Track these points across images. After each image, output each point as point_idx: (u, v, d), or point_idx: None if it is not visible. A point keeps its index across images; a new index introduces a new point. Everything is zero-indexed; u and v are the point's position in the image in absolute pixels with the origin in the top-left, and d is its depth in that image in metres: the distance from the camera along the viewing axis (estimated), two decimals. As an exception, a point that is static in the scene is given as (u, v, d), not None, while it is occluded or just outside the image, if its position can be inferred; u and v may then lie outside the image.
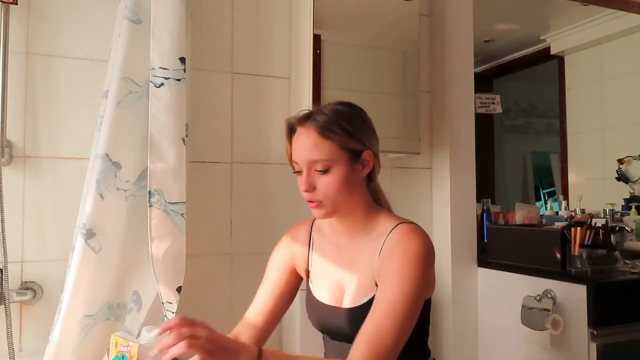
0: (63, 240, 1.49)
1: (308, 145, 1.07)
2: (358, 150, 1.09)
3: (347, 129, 1.07)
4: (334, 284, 1.16)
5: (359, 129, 1.10)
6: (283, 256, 1.26)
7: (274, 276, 1.24)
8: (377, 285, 1.07)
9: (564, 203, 2.39)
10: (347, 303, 1.12)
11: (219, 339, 0.90)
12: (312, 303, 1.19)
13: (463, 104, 2.00)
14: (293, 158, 1.11)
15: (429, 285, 1.10)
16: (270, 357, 0.93)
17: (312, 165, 1.07)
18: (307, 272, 1.23)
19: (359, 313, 1.06)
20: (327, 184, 1.06)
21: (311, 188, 1.07)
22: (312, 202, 1.09)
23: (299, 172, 1.10)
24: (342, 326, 1.11)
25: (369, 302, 1.05)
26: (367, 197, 1.15)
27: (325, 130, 1.06)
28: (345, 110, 1.11)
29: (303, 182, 1.08)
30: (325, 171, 1.06)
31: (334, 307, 1.14)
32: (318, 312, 1.17)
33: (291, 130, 1.12)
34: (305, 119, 1.09)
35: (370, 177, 1.15)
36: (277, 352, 0.99)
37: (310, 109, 1.14)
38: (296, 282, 1.26)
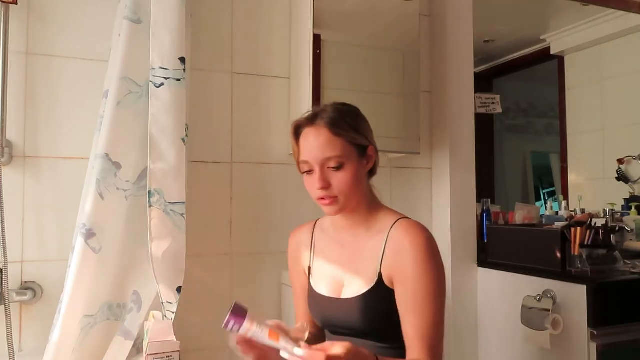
0: (63, 240, 1.49)
1: (321, 143, 1.09)
2: (364, 146, 1.14)
3: (353, 125, 1.12)
4: (334, 278, 1.19)
5: (362, 125, 1.15)
6: (295, 264, 1.31)
7: (299, 286, 1.30)
8: (381, 278, 1.11)
9: (564, 203, 2.39)
10: (346, 294, 1.15)
11: (357, 351, 0.91)
12: (313, 297, 1.22)
13: (463, 104, 2.00)
14: (303, 158, 1.13)
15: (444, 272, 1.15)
16: None
17: (325, 163, 1.10)
18: (309, 269, 1.26)
19: (356, 304, 1.11)
20: (341, 180, 1.10)
21: (327, 185, 1.10)
22: (325, 199, 1.11)
23: (309, 172, 1.12)
24: (341, 317, 1.15)
25: (367, 293, 1.11)
26: (369, 191, 1.20)
27: (335, 128, 1.09)
28: (345, 109, 1.16)
29: (317, 180, 1.10)
30: (338, 167, 1.09)
31: (333, 298, 1.17)
32: (319, 306, 1.21)
33: (297, 132, 1.14)
34: (313, 118, 1.12)
35: (372, 172, 1.20)
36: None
37: (311, 110, 1.17)
38: None
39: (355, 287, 1.14)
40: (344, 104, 1.18)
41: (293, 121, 1.16)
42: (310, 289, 1.23)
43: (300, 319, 1.30)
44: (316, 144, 1.10)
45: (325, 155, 1.09)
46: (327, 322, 1.21)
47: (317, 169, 1.10)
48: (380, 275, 1.11)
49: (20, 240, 1.50)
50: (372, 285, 1.11)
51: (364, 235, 1.17)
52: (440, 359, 1.08)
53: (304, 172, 1.14)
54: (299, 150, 1.14)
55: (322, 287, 1.20)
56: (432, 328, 1.05)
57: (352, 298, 1.13)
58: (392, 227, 1.13)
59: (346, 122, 1.11)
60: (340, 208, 1.12)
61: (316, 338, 1.28)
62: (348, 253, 1.19)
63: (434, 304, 1.06)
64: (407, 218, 1.16)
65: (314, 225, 1.30)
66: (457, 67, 1.99)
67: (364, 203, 1.17)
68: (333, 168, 1.09)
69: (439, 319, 1.07)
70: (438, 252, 1.11)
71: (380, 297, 1.11)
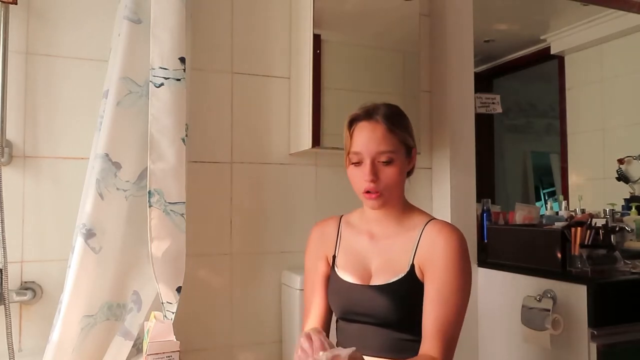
0: (63, 240, 1.49)
1: (377, 137, 1.14)
2: (410, 147, 1.20)
3: (405, 125, 1.19)
4: (363, 266, 1.22)
5: (410, 127, 1.22)
6: (316, 252, 1.31)
7: (318, 274, 1.29)
8: (412, 269, 1.15)
9: (564, 203, 2.39)
10: (376, 281, 1.18)
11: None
12: (337, 284, 1.23)
13: (463, 104, 2.00)
14: (355, 149, 1.17)
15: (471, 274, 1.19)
16: None
17: (377, 157, 1.14)
18: (333, 258, 1.27)
19: (385, 291, 1.15)
20: (389, 174, 1.15)
21: (377, 178, 1.14)
22: (371, 192, 1.15)
23: (357, 164, 1.16)
24: (367, 304, 1.16)
25: (399, 282, 1.14)
26: (403, 190, 1.24)
27: (393, 125, 1.15)
28: (397, 110, 1.22)
29: (368, 172, 1.14)
30: (388, 162, 1.15)
31: (361, 285, 1.19)
32: (343, 293, 1.21)
33: (352, 124, 1.19)
34: (371, 113, 1.17)
35: (410, 173, 1.25)
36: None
37: (366, 105, 1.20)
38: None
39: (385, 275, 1.17)
40: (393, 105, 1.22)
41: (349, 114, 1.20)
42: (335, 277, 1.24)
43: (310, 309, 1.28)
44: (372, 136, 1.14)
45: (379, 149, 1.14)
46: (348, 310, 1.21)
47: (367, 162, 1.14)
48: (412, 266, 1.15)
49: (20, 240, 1.50)
50: (404, 275, 1.15)
51: (395, 230, 1.21)
52: (452, 355, 1.11)
53: (352, 164, 1.18)
54: (352, 142, 1.17)
55: (349, 275, 1.22)
56: (450, 324, 1.09)
57: (382, 285, 1.16)
58: (426, 224, 1.18)
59: (402, 122, 1.18)
60: (383, 203, 1.17)
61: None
62: (379, 246, 1.22)
63: (457, 301, 1.10)
64: (440, 220, 1.21)
65: (340, 219, 1.32)
66: (457, 67, 1.99)
67: (400, 201, 1.23)
68: (383, 162, 1.14)
69: (459, 317, 1.11)
70: (468, 254, 1.15)
71: (410, 288, 1.14)
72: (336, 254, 1.27)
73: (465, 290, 1.13)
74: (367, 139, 1.15)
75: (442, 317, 1.09)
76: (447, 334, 1.09)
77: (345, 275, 1.22)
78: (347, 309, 1.21)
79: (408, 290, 1.14)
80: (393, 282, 1.15)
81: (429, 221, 1.19)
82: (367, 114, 1.17)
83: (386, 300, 1.13)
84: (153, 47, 1.38)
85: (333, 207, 1.77)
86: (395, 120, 1.17)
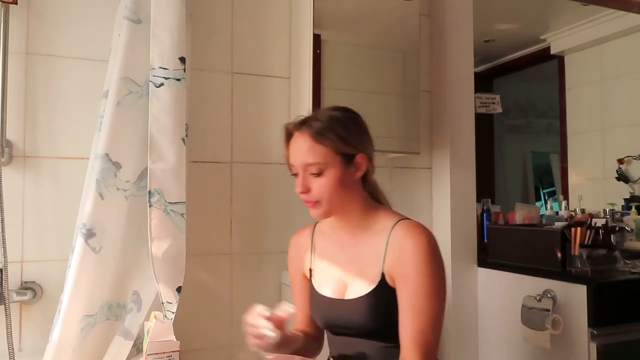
0: (63, 240, 1.49)
1: (303, 149, 1.13)
2: (351, 154, 1.14)
3: (340, 134, 1.12)
4: (337, 279, 1.20)
5: (353, 133, 1.15)
6: (296, 267, 1.32)
7: (299, 288, 1.31)
8: (383, 277, 1.12)
9: (564, 203, 2.39)
10: (350, 294, 1.16)
11: None
12: (316, 299, 1.23)
13: (463, 104, 2.00)
14: (290, 161, 1.17)
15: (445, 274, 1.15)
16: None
17: (306, 168, 1.13)
18: (310, 271, 1.26)
19: (360, 304, 1.12)
20: (320, 185, 1.12)
21: (306, 190, 1.13)
22: (307, 202, 1.15)
23: (296, 175, 1.16)
24: (345, 318, 1.15)
25: (371, 293, 1.12)
26: (363, 196, 1.20)
27: (319, 136, 1.11)
28: (340, 115, 1.16)
29: (298, 184, 1.14)
30: (318, 174, 1.12)
31: (337, 299, 1.17)
32: (322, 307, 1.21)
33: (289, 135, 1.17)
34: (302, 124, 1.15)
35: (365, 178, 1.19)
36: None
37: (308, 114, 1.19)
38: None
39: (358, 287, 1.14)
40: (341, 109, 1.19)
41: (285, 124, 1.19)
42: (313, 291, 1.24)
43: (299, 322, 1.30)
44: (300, 149, 1.13)
45: (306, 161, 1.12)
46: (330, 323, 1.21)
47: (300, 173, 1.14)
48: (383, 275, 1.12)
49: (20, 240, 1.50)
50: (376, 285, 1.12)
51: (363, 236, 1.18)
52: None
53: (292, 174, 1.17)
54: (287, 153, 1.17)
55: (325, 289, 1.21)
56: (427, 331, 1.06)
57: (357, 298, 1.13)
58: (393, 227, 1.14)
59: (333, 131, 1.12)
60: (324, 212, 1.15)
61: (315, 339, 1.29)
62: (349, 254, 1.19)
63: (432, 305, 1.07)
64: (409, 219, 1.16)
65: (314, 228, 1.31)
66: (457, 67, 1.99)
67: (357, 206, 1.18)
68: (314, 174, 1.12)
69: (437, 321, 1.08)
70: (439, 253, 1.12)
71: (384, 296, 1.11)
72: (312, 267, 1.26)
73: (439, 293, 1.09)
74: (296, 151, 1.14)
75: (417, 325, 1.06)
76: (424, 342, 1.05)
77: (322, 288, 1.21)
78: (329, 322, 1.21)
79: (383, 300, 1.11)
80: (367, 294, 1.12)
81: (397, 223, 1.14)
82: (298, 124, 1.15)
83: (363, 313, 1.12)
84: (153, 47, 1.38)
85: (333, 207, 1.77)
86: (324, 131, 1.11)
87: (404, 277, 1.09)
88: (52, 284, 1.51)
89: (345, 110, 1.19)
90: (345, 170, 1.13)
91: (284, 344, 1.09)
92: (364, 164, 1.16)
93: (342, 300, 1.16)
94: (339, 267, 1.20)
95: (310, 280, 1.26)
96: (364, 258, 1.16)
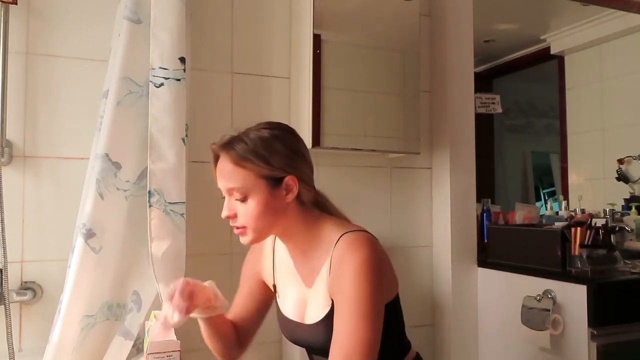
0: (63, 240, 1.49)
1: (225, 173, 1.06)
2: (278, 177, 1.06)
3: (264, 157, 1.04)
4: (296, 301, 1.17)
5: (280, 155, 1.06)
6: (253, 270, 1.29)
7: (247, 291, 1.28)
8: (332, 300, 1.05)
9: (564, 203, 2.39)
10: (309, 319, 1.12)
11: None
12: (281, 318, 1.22)
13: (463, 104, 2.00)
14: (217, 184, 1.10)
15: (386, 289, 1.08)
16: None
17: (231, 193, 1.07)
18: (274, 287, 1.24)
19: (319, 328, 1.08)
20: (245, 211, 1.06)
21: (231, 214, 1.07)
22: (235, 228, 1.08)
23: (224, 198, 1.10)
24: (309, 340, 1.14)
25: (326, 317, 1.06)
26: (302, 215, 1.11)
27: (240, 160, 1.04)
28: (268, 135, 1.06)
29: (224, 208, 1.08)
30: (242, 199, 1.05)
31: (298, 322, 1.15)
32: (287, 327, 1.19)
33: (216, 157, 1.11)
34: (225, 145, 1.07)
35: (301, 200, 1.10)
36: None
37: (236, 132, 1.10)
38: (269, 291, 1.27)
39: (315, 311, 1.10)
40: (272, 127, 1.09)
41: (211, 144, 1.11)
42: (278, 309, 1.22)
43: (232, 312, 1.27)
44: (222, 173, 1.07)
45: (228, 186, 1.06)
46: (295, 341, 1.20)
47: (226, 197, 1.08)
48: (331, 298, 1.06)
49: (20, 240, 1.50)
50: (329, 309, 1.06)
51: (313, 254, 1.11)
52: None
53: (222, 198, 1.10)
54: (215, 176, 1.11)
55: (288, 310, 1.18)
56: (357, 352, 0.96)
57: (315, 323, 1.09)
58: (337, 242, 1.05)
59: (256, 154, 1.03)
60: (252, 239, 1.09)
61: (238, 340, 1.26)
62: (302, 274, 1.15)
63: (365, 326, 0.97)
64: (353, 232, 1.06)
65: (274, 241, 1.24)
66: (457, 67, 1.99)
67: (298, 227, 1.11)
68: (238, 199, 1.06)
69: (368, 342, 0.97)
70: (378, 268, 1.02)
71: None
72: (276, 283, 1.23)
73: (372, 312, 0.99)
74: (219, 174, 1.08)
75: (346, 345, 0.97)
76: None
77: (285, 309, 1.19)
78: (294, 341, 1.20)
79: None
80: (322, 319, 1.07)
81: (341, 236, 1.05)
82: (222, 146, 1.07)
83: (322, 336, 1.06)
84: (153, 47, 1.38)
85: (333, 207, 1.77)
86: (246, 155, 1.03)
87: (340, 295, 1.02)
88: (52, 284, 1.50)
89: (277, 128, 1.09)
90: (271, 195, 1.05)
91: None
92: (294, 186, 1.06)
93: (303, 324, 1.13)
94: (297, 287, 1.16)
95: (275, 298, 1.24)
96: (316, 279, 1.10)
